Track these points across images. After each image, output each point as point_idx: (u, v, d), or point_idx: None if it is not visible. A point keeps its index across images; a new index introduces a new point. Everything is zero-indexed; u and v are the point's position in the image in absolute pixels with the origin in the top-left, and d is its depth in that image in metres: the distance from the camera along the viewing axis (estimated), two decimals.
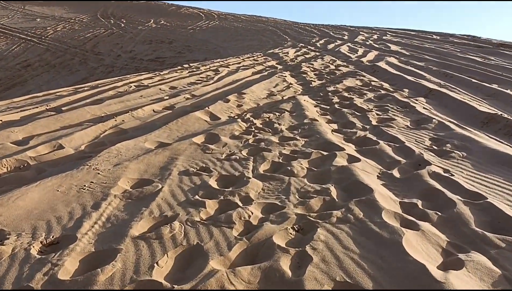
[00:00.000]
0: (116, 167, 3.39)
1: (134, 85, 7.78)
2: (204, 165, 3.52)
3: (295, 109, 5.46)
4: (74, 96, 6.84)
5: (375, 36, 19.99)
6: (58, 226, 2.46)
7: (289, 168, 3.33)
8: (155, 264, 2.06)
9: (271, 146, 3.96)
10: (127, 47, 28.34)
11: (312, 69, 9.48)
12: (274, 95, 6.51)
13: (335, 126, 4.73)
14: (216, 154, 3.78)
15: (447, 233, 2.34)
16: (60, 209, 2.68)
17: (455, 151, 3.68)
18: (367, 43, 16.66)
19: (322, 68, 9.64)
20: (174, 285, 1.89)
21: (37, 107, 5.93)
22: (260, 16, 38.95)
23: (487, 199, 2.67)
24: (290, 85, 7.36)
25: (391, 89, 6.66)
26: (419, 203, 2.72)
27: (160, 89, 7.15)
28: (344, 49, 14.37)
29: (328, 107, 5.64)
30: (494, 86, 6.74)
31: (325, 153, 3.70)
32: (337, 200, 2.78)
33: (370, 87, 6.95)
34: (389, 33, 21.86)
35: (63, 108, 5.90)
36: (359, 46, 15.50)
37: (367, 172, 3.27)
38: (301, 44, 17.66)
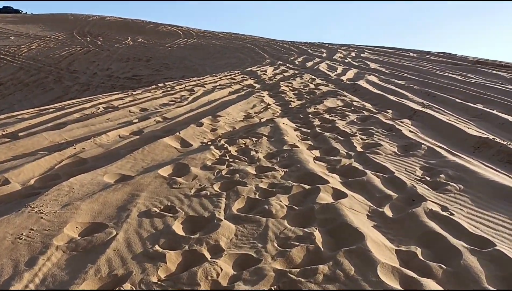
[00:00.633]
0: (64, 208, 2.90)
1: (103, 107, 7.27)
2: (169, 203, 3.05)
3: (274, 133, 5.06)
4: (36, 120, 6.30)
5: (353, 54, 19.97)
6: None
7: (266, 207, 2.90)
8: None
9: (246, 178, 3.53)
10: (103, 65, 27.74)
11: (291, 88, 9.15)
12: (251, 118, 6.10)
13: (317, 153, 4.34)
14: (184, 189, 3.32)
15: None
16: None
17: (450, 183, 3.32)
18: (346, 60, 16.56)
19: (302, 87, 9.32)
20: None
21: None
22: (239, 33, 38.92)
23: (496, 246, 2.29)
24: (268, 106, 6.98)
25: (374, 110, 6.35)
26: (419, 251, 2.32)
27: (129, 111, 6.66)
28: (323, 67, 14.17)
29: (309, 131, 5.26)
30: (479, 106, 6.51)
31: (307, 187, 3.29)
32: (322, 249, 2.35)
33: (352, 108, 6.63)
34: (367, 51, 21.93)
35: (19, 134, 5.36)
36: (338, 64, 15.35)
37: (356, 210, 2.86)
38: (279, 62, 17.45)
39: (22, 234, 2.53)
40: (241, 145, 4.58)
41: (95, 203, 3.01)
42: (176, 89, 9.37)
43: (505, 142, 4.30)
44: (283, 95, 8.20)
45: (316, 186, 3.26)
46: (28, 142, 4.80)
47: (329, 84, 9.63)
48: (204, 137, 4.99)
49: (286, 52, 22.23)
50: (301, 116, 6.12)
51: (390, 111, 6.27)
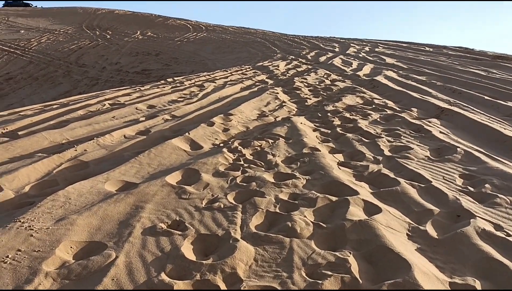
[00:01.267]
0: (58, 223, 2.53)
1: (109, 103, 6.93)
2: (177, 218, 2.67)
3: (291, 134, 4.66)
4: (38, 117, 5.97)
5: (366, 48, 19.41)
6: None
7: (289, 224, 2.50)
8: None
9: (264, 187, 3.13)
10: (112, 59, 27.52)
11: (306, 84, 8.71)
12: (265, 116, 5.70)
13: (340, 157, 3.93)
14: (194, 200, 2.94)
15: None
16: None
17: (498, 195, 2.89)
18: (360, 55, 16.03)
19: (317, 83, 8.88)
20: None
21: None
22: (248, 27, 38.41)
23: None
24: (284, 104, 6.57)
25: (398, 109, 5.91)
26: (478, 284, 1.92)
27: (136, 108, 6.30)
28: (337, 62, 13.69)
29: (330, 131, 4.84)
30: (510, 104, 6.03)
31: (334, 198, 2.89)
32: (361, 281, 1.95)
33: (374, 106, 6.19)
34: (381, 45, 21.34)
35: (19, 133, 5.04)
36: (352, 58, 14.85)
37: (394, 229, 2.46)
38: (291, 56, 16.98)
39: (8, 257, 2.17)
40: (256, 147, 4.18)
41: (94, 217, 2.65)
42: (185, 85, 8.99)
43: None
44: (298, 91, 7.78)
45: (344, 198, 2.86)
46: (26, 143, 4.46)
47: (346, 80, 9.18)
48: (216, 139, 4.61)
49: (297, 47, 21.72)
50: (319, 115, 5.69)
51: (415, 109, 5.82)
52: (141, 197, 2.96)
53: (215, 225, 2.58)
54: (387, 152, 3.97)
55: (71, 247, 2.32)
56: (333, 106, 6.19)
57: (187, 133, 4.53)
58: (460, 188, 3.06)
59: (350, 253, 2.18)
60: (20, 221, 2.52)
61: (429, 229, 2.48)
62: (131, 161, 3.74)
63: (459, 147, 3.94)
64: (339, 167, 3.60)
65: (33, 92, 23.60)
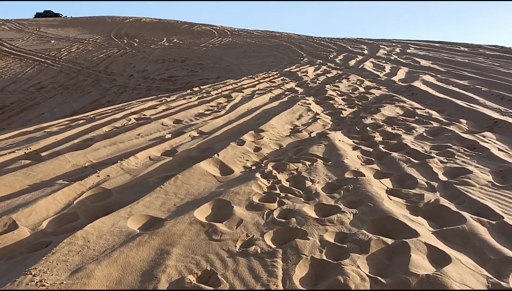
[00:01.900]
0: (74, 275, 2.21)
1: (134, 118, 6.68)
2: (208, 267, 2.31)
3: (330, 154, 4.24)
4: (63, 135, 5.78)
5: (397, 50, 18.72)
6: None
7: (340, 279, 2.10)
8: None
9: (306, 224, 2.74)
10: (139, 66, 27.76)
11: (338, 92, 8.25)
12: (299, 132, 5.30)
13: (388, 183, 3.48)
14: (227, 242, 2.58)
15: None
16: None
17: None
18: (392, 58, 15.40)
19: (350, 91, 8.41)
20: None
21: (14, 151, 4.86)
22: (273, 31, 38.06)
23: None
24: (317, 116, 6.14)
25: (444, 120, 5.39)
26: None
27: (162, 124, 6.01)
28: (368, 66, 13.13)
29: (371, 150, 4.39)
30: None
31: (389, 241, 2.46)
32: None
33: (416, 117, 5.69)
34: (412, 46, 20.57)
35: (42, 154, 4.84)
36: (384, 62, 14.24)
37: (470, 288, 2.02)
38: (319, 60, 16.49)
39: None
40: (292, 172, 3.79)
41: (114, 266, 2.32)
42: (212, 95, 8.69)
43: None
44: (331, 101, 7.33)
45: (402, 241, 2.43)
46: (48, 167, 4.22)
47: (381, 87, 8.66)
48: (247, 160, 4.24)
49: (324, 50, 21.20)
50: (358, 129, 5.25)
51: (463, 121, 5.29)
52: (167, 238, 2.61)
53: (252, 277, 2.20)
54: (441, 176, 3.50)
55: None
56: (371, 118, 5.72)
57: (216, 155, 4.18)
58: None
59: None
60: (31, 273, 2.21)
61: None
62: (156, 190, 3.41)
63: None
64: (389, 196, 3.17)
65: (64, 101, 23.99)
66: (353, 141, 4.73)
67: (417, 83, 8.37)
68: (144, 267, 2.33)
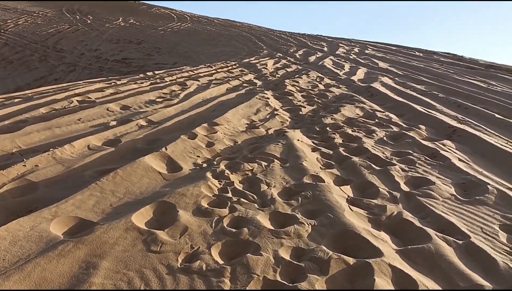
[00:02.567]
0: None
1: (77, 100, 6.09)
2: (142, 286, 1.95)
3: (288, 154, 3.96)
4: None
5: (356, 50, 18.88)
6: None
7: None
8: None
9: (259, 236, 2.43)
10: (92, 45, 26.38)
11: (298, 88, 8.01)
12: (256, 128, 4.98)
13: (349, 191, 3.25)
14: (167, 255, 2.21)
15: None
16: None
17: None
18: (351, 57, 15.45)
19: (310, 87, 8.20)
20: None
21: None
22: (234, 20, 37.49)
23: None
24: (276, 112, 5.85)
25: (404, 126, 5.27)
26: None
27: (107, 109, 5.49)
28: (328, 63, 13.04)
29: (331, 152, 4.16)
30: None
31: (351, 261, 2.20)
32: None
33: (376, 120, 5.53)
34: (370, 47, 20.83)
35: None
36: (343, 60, 14.24)
37: None
38: (279, 54, 16.27)
39: None
40: (246, 172, 3.46)
41: (25, 282, 1.89)
42: (166, 82, 8.18)
43: None
44: (290, 97, 7.07)
45: (365, 262, 2.17)
46: None
47: (341, 86, 8.52)
48: (198, 156, 3.87)
49: (284, 44, 21.02)
50: (317, 129, 5.00)
51: (423, 127, 5.19)
52: (96, 248, 2.21)
53: None
54: (403, 186, 3.31)
55: None
56: (331, 118, 5.50)
57: (164, 149, 3.77)
58: (508, 249, 2.42)
59: None
60: None
61: None
62: (91, 186, 2.97)
63: (488, 184, 3.31)
64: (350, 206, 2.92)
65: (7, 76, 22.40)
66: (313, 142, 4.48)
67: (376, 85, 8.30)
68: (64, 285, 1.92)
